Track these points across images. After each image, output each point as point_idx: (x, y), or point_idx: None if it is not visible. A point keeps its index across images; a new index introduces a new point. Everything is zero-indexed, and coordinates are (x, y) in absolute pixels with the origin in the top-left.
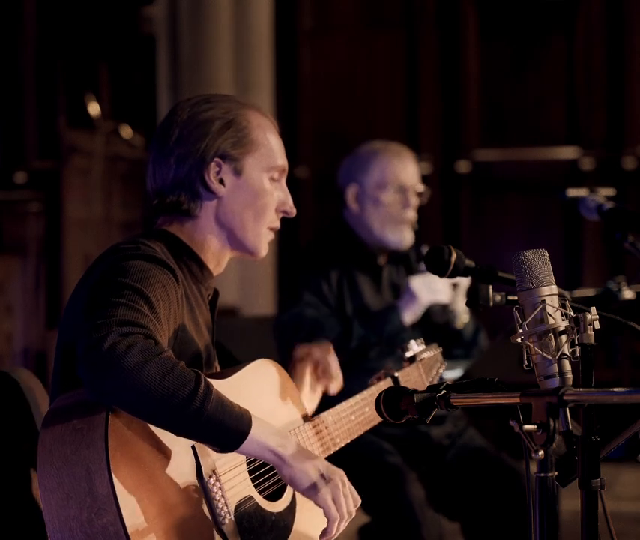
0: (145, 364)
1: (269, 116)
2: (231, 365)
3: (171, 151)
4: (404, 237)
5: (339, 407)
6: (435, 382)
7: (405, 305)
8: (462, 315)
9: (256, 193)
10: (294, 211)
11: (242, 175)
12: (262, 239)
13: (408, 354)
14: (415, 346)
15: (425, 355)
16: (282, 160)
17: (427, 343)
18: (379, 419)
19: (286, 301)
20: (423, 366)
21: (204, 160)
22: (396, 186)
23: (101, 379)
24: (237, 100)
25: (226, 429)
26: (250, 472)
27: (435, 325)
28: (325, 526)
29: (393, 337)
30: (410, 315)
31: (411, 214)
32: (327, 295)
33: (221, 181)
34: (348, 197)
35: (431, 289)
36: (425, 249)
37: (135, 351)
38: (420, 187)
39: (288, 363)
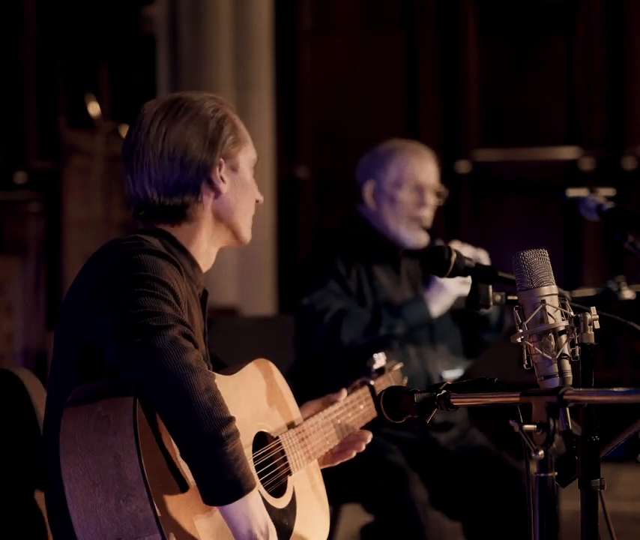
0: (198, 371)
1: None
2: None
3: (172, 157)
4: (418, 237)
5: (322, 414)
6: None
7: (432, 297)
8: None
9: (247, 187)
10: (261, 199)
11: (238, 171)
12: (250, 227)
13: (376, 366)
14: (381, 360)
15: (392, 367)
16: (255, 152)
17: (454, 329)
18: (362, 423)
19: (307, 286)
20: (394, 376)
21: (212, 162)
22: (412, 185)
23: (154, 358)
24: (211, 96)
25: (230, 477)
26: (257, 468)
27: (460, 312)
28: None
29: (419, 328)
30: (438, 307)
31: (427, 214)
32: (349, 284)
33: (222, 179)
34: (366, 193)
35: (459, 280)
36: (440, 243)
37: (193, 355)
38: (438, 187)
39: (306, 353)
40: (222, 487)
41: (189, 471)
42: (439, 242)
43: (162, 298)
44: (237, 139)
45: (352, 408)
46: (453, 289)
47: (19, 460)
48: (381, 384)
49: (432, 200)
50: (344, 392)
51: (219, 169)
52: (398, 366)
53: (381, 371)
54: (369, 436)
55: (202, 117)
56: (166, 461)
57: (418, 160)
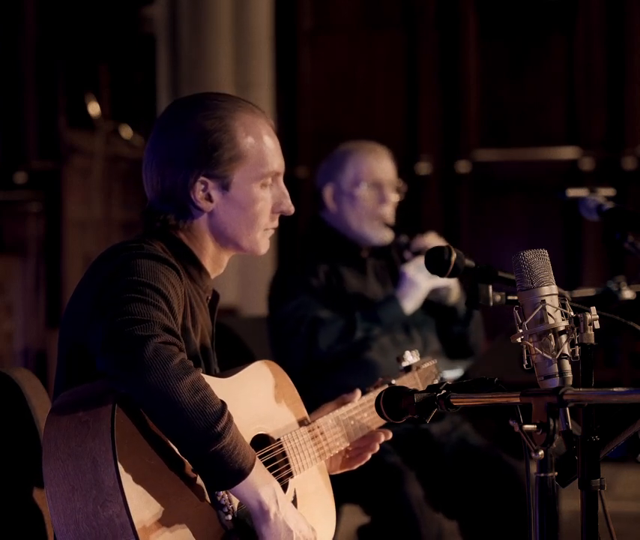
0: (183, 376)
1: (260, 114)
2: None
3: (159, 168)
4: (382, 233)
5: (337, 412)
6: None
7: (404, 294)
8: (455, 290)
9: (246, 205)
10: (291, 210)
11: (230, 190)
12: (259, 241)
13: (404, 364)
14: (410, 357)
15: (421, 365)
16: (273, 165)
17: (424, 326)
18: (378, 424)
19: (278, 300)
20: (419, 376)
21: (189, 180)
22: (370, 181)
23: (139, 375)
24: (225, 106)
25: (232, 465)
26: None
27: (429, 304)
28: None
29: (394, 327)
30: (410, 303)
31: (388, 210)
32: (318, 291)
33: (209, 197)
34: (326, 197)
35: (429, 274)
36: (404, 238)
37: (177, 361)
38: (396, 183)
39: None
40: (225, 476)
41: (169, 477)
42: (404, 238)
43: (153, 304)
44: (229, 158)
45: (369, 408)
46: (424, 283)
47: (16, 462)
48: (404, 382)
49: (392, 197)
50: (358, 393)
51: (204, 188)
52: (428, 363)
53: (408, 369)
54: (383, 436)
55: (195, 134)
56: (146, 466)
57: (374, 157)
